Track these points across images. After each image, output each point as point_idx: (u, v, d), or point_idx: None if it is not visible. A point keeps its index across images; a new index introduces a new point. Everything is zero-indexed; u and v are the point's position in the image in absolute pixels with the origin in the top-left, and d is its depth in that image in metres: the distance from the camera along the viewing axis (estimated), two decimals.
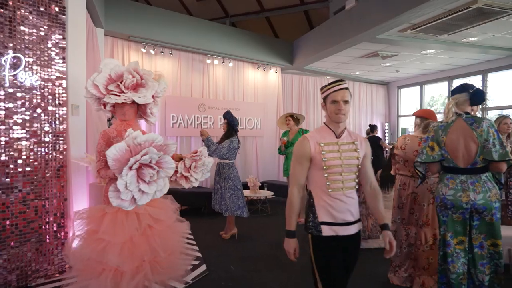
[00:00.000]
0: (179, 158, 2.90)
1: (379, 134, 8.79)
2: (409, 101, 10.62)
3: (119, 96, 2.46)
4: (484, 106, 7.89)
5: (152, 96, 2.63)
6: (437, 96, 10.54)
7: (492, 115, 8.18)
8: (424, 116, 3.26)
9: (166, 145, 2.33)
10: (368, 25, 5.35)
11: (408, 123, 10.71)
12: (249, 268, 3.71)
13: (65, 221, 3.45)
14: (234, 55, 7.28)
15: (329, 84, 1.91)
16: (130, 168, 2.13)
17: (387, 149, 8.25)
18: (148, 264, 2.41)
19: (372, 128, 8.22)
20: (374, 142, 8.03)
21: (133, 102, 2.54)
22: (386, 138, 10.50)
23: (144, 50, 6.18)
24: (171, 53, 6.48)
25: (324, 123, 1.96)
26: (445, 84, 8.94)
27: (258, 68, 7.87)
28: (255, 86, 8.00)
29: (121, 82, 2.48)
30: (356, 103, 10.26)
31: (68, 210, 3.47)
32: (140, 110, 2.68)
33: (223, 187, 4.52)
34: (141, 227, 2.43)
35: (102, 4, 5.23)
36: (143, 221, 2.46)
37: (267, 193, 6.24)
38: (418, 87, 9.73)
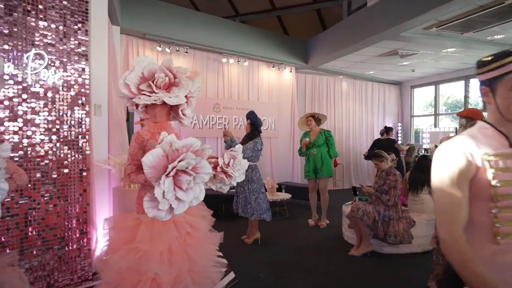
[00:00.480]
0: (212, 158, 2.74)
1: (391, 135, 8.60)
2: (421, 100, 10.46)
3: (150, 96, 2.28)
4: None
5: (186, 96, 2.44)
6: (445, 96, 10.38)
7: None
8: (470, 117, 3.09)
9: (202, 149, 2.16)
10: (392, 22, 5.18)
11: (421, 123, 10.55)
12: (277, 275, 3.54)
13: (87, 226, 3.28)
14: (249, 54, 7.12)
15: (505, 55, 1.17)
16: (167, 175, 1.96)
17: (403, 151, 8.08)
18: (187, 274, 2.24)
19: (388, 130, 8.02)
20: (390, 145, 7.84)
21: (165, 102, 2.36)
22: (399, 139, 10.32)
23: (159, 49, 6.01)
24: (186, 52, 6.31)
25: (485, 121, 1.27)
26: (461, 84, 8.76)
27: (273, 67, 7.70)
28: (270, 85, 7.83)
29: (153, 81, 2.30)
30: (368, 103, 10.10)
31: (91, 215, 3.30)
32: (172, 111, 2.49)
33: (247, 190, 4.35)
34: (180, 236, 2.24)
35: (118, 0, 5.07)
36: (181, 229, 2.27)
37: (285, 196, 6.07)
38: (433, 87, 9.56)
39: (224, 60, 6.90)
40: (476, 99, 8.63)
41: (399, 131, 10.45)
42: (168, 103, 2.33)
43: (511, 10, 4.45)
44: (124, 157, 3.25)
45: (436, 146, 8.72)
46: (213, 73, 6.89)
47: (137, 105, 2.42)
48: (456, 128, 8.80)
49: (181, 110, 2.46)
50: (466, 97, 8.62)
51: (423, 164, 4.52)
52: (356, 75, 9.45)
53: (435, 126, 9.58)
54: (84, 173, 3.24)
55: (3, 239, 2.75)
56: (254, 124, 4.47)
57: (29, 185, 2.88)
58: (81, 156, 3.22)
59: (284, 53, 7.69)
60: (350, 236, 4.53)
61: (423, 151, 9.19)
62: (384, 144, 7.95)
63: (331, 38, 7.05)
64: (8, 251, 2.04)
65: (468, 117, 3.10)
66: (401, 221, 4.09)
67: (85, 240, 3.27)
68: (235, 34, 6.94)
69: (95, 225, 3.33)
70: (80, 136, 3.22)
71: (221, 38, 6.65)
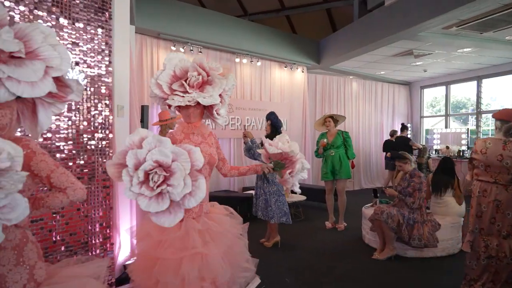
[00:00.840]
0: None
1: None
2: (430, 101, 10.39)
3: (183, 97, 2.18)
4: None
5: (220, 95, 2.35)
6: (439, 97, 10.33)
7: None
8: (504, 119, 2.99)
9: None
10: (412, 21, 5.10)
11: (430, 124, 10.47)
12: (303, 280, 3.46)
13: (111, 231, 3.19)
14: (262, 53, 7.03)
15: None
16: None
17: (417, 149, 7.97)
18: (212, 285, 2.12)
19: (403, 128, 7.96)
20: (404, 143, 7.78)
21: (199, 102, 2.26)
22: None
23: (174, 48, 5.91)
24: (200, 51, 6.21)
25: None
26: (473, 84, 8.67)
27: (285, 67, 7.62)
28: (282, 86, 7.74)
29: (185, 80, 2.20)
30: (378, 104, 10.01)
31: (115, 219, 3.21)
32: (207, 110, 2.39)
33: (268, 192, 4.27)
34: (204, 244, 2.12)
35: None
36: (205, 236, 2.15)
37: (300, 198, 5.98)
38: (443, 87, 9.47)
39: (237, 60, 6.81)
40: (488, 99, 8.55)
41: (409, 132, 10.36)
42: (202, 104, 2.24)
43: None
44: None
45: (447, 147, 8.65)
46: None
47: (169, 105, 2.33)
48: (468, 129, 8.71)
49: (215, 110, 2.37)
50: (478, 97, 8.53)
51: (447, 166, 4.45)
52: (366, 75, 9.36)
53: (446, 127, 9.49)
54: (107, 176, 3.15)
55: None
56: (274, 125, 4.39)
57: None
58: (104, 159, 3.13)
59: (297, 53, 7.61)
60: (371, 239, 4.44)
61: (434, 152, 9.11)
62: (398, 143, 7.89)
63: (345, 38, 6.96)
64: (93, 259, 1.93)
65: (503, 120, 3.01)
66: (426, 224, 4.01)
67: (108, 245, 3.18)
68: (249, 34, 6.85)
69: (118, 229, 3.24)
70: (103, 138, 3.13)
71: (235, 37, 6.56)
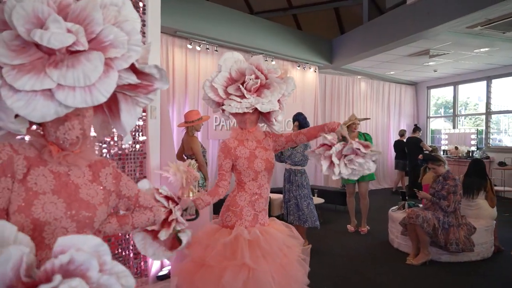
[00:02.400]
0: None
1: (406, 136, 8.49)
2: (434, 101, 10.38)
3: (240, 102, 2.01)
4: None
5: (278, 100, 2.17)
6: (435, 97, 10.38)
7: None
8: None
9: None
10: (436, 21, 5.01)
11: (437, 125, 10.45)
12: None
13: None
14: (277, 52, 6.88)
15: None
16: None
17: (427, 151, 7.95)
18: None
19: (416, 128, 7.94)
20: (415, 143, 7.75)
21: (255, 108, 2.09)
22: None
23: (190, 47, 5.73)
24: (216, 50, 6.04)
25: None
26: (482, 84, 8.66)
27: (298, 67, 7.48)
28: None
29: (242, 84, 2.03)
30: (385, 104, 9.95)
31: None
32: (263, 115, 2.21)
33: (298, 196, 4.12)
34: (255, 258, 1.94)
35: None
36: (256, 251, 1.97)
37: (319, 200, 5.85)
38: (451, 87, 9.46)
39: None
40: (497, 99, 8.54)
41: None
42: (261, 111, 2.07)
43: None
44: (185, 164, 2.98)
45: (456, 148, 8.63)
46: None
47: (223, 108, 2.16)
48: (477, 129, 8.71)
49: (274, 117, 2.19)
50: (488, 97, 8.52)
51: (478, 168, 4.37)
52: (374, 75, 9.29)
53: (453, 128, 9.48)
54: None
55: None
56: (303, 126, 4.25)
57: None
58: (138, 164, 2.95)
59: (310, 52, 7.49)
60: (401, 244, 4.33)
61: (441, 153, 9.08)
62: (409, 143, 7.86)
63: (362, 37, 6.85)
64: None
65: None
66: (462, 228, 3.91)
67: (141, 256, 3.00)
68: (264, 32, 6.71)
69: None
70: (136, 141, 2.96)
71: (250, 36, 6.40)
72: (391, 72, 8.90)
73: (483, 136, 8.64)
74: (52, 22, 0.95)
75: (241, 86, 2.01)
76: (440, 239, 3.83)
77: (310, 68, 7.73)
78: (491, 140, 8.61)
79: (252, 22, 6.67)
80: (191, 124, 4.00)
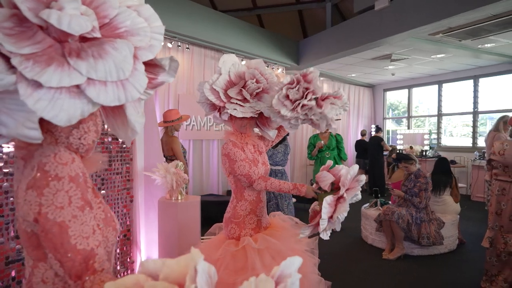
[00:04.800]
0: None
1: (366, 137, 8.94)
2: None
3: (243, 106, 1.98)
4: (475, 110, 8.33)
5: None
6: (396, 101, 11.14)
7: (485, 118, 8.69)
8: None
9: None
10: (403, 27, 5.28)
11: (393, 126, 11.04)
12: None
13: (131, 248, 2.84)
14: (247, 52, 6.85)
15: None
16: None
17: (387, 150, 8.37)
18: None
19: (377, 129, 8.35)
20: (376, 142, 8.14)
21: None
22: None
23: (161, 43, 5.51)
24: (188, 48, 5.88)
25: None
26: (434, 88, 9.30)
27: (267, 67, 7.50)
28: None
29: (243, 87, 2.00)
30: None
31: (135, 234, 2.87)
32: (259, 121, 2.19)
33: (279, 196, 4.13)
34: (264, 266, 1.92)
35: None
36: (265, 256, 1.96)
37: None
38: (406, 90, 10.04)
39: None
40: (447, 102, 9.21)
41: (373, 133, 10.83)
42: (265, 115, 2.05)
43: None
44: (173, 165, 2.86)
45: (411, 147, 9.17)
46: (210, 71, 6.52)
47: (220, 112, 2.09)
48: (430, 130, 9.32)
49: (273, 120, 2.16)
50: (439, 100, 9.16)
51: (444, 166, 4.66)
52: (336, 77, 9.59)
53: (408, 128, 10.07)
54: (128, 185, 2.80)
55: None
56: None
57: None
58: (125, 165, 2.78)
59: (279, 53, 7.56)
60: (375, 239, 4.50)
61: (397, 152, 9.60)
62: (371, 143, 8.24)
63: (330, 39, 7.02)
64: None
65: None
66: (432, 222, 4.15)
67: (128, 259, 2.83)
68: (235, 31, 6.66)
69: (138, 246, 2.89)
70: (123, 142, 2.78)
71: (221, 34, 6.32)
72: (353, 75, 9.24)
73: (435, 137, 9.28)
74: (67, 1, 0.77)
75: (243, 90, 1.97)
76: (414, 234, 4.04)
77: (278, 69, 7.79)
78: (441, 140, 9.28)
79: (224, 20, 6.60)
80: (170, 124, 3.85)
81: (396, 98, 11.09)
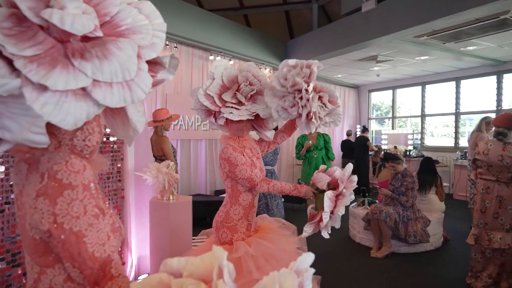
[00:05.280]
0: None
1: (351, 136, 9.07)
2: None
3: (239, 109, 1.99)
4: (457, 111, 8.55)
5: None
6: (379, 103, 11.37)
7: (468, 119, 8.92)
8: (506, 127, 3.22)
9: None
10: (389, 29, 5.37)
11: (376, 126, 11.22)
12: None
13: (121, 249, 2.80)
14: (235, 52, 6.85)
15: None
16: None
17: (372, 151, 8.52)
18: None
19: (364, 129, 8.47)
20: (362, 142, 8.26)
21: None
22: None
23: None
24: (176, 47, 5.82)
25: None
26: (418, 89, 9.50)
27: None
28: None
29: (237, 90, 2.01)
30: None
31: (126, 232, 2.83)
32: (255, 123, 2.19)
33: (268, 195, 4.15)
34: (258, 268, 1.93)
35: None
36: (258, 260, 1.96)
37: None
38: (390, 91, 10.22)
39: (211, 57, 6.53)
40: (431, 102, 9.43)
41: (358, 133, 10.99)
42: (262, 117, 2.06)
43: (499, 24, 4.90)
44: (165, 165, 2.84)
45: (395, 147, 9.35)
46: (198, 71, 6.48)
47: (215, 117, 2.09)
48: (413, 130, 9.51)
49: (271, 122, 2.18)
50: (423, 101, 9.36)
51: (429, 166, 4.77)
52: (322, 78, 9.67)
53: (392, 128, 10.25)
54: (119, 185, 2.76)
55: None
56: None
57: None
58: (116, 165, 2.74)
59: (266, 53, 7.59)
60: (363, 238, 4.57)
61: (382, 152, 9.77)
62: (358, 142, 8.36)
63: (318, 40, 7.08)
64: None
65: (505, 127, 3.23)
66: (418, 221, 4.24)
67: None
68: (223, 31, 6.64)
69: (129, 247, 2.86)
70: (114, 142, 2.74)
71: (210, 33, 6.30)
72: (339, 75, 9.35)
73: (419, 137, 9.48)
74: (69, 0, 0.74)
75: (237, 93, 1.98)
76: (401, 232, 4.12)
77: (266, 69, 7.81)
78: (424, 140, 9.48)
79: (212, 19, 6.57)
80: (160, 123, 3.81)
81: (378, 99, 11.30)
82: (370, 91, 10.84)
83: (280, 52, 7.99)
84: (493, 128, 3.44)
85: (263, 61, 7.61)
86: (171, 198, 2.91)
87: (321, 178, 1.83)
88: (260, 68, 7.65)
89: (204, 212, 5.16)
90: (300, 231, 2.06)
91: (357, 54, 6.81)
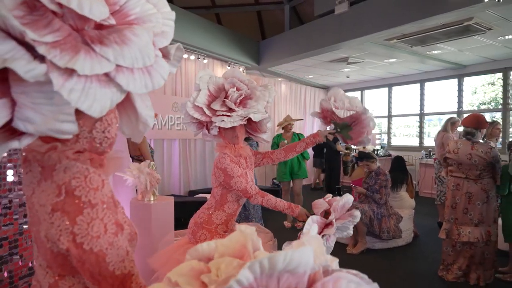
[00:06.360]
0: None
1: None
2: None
3: (230, 116, 1.97)
4: (422, 112, 8.96)
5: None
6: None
7: (427, 120, 9.36)
8: (474, 127, 3.40)
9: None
10: (361, 32, 5.53)
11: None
12: None
13: None
14: (209, 51, 6.78)
15: None
16: None
17: (341, 152, 8.71)
18: None
19: None
20: (333, 141, 8.43)
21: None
22: None
23: None
24: None
25: None
26: (384, 90, 9.86)
27: (228, 66, 7.48)
28: None
29: (226, 98, 1.99)
30: (302, 106, 10.57)
31: None
32: (249, 127, 2.17)
33: None
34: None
35: None
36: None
37: None
38: (359, 92, 10.53)
39: (185, 56, 6.42)
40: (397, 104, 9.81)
41: None
42: (254, 120, 2.04)
43: (463, 30, 5.18)
44: (145, 165, 2.75)
45: (364, 147, 9.65)
46: None
47: (208, 128, 2.07)
48: (381, 130, 9.85)
49: (265, 124, 2.17)
50: (389, 102, 9.73)
51: (400, 164, 4.96)
52: (293, 78, 9.80)
53: None
54: None
55: None
56: None
57: None
58: None
59: (240, 53, 7.56)
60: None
61: (356, 151, 10.03)
62: (328, 143, 8.52)
63: (291, 41, 7.14)
64: None
65: (472, 127, 3.41)
66: (391, 217, 4.40)
67: None
68: (197, 29, 6.56)
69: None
70: None
71: (184, 32, 6.19)
72: (310, 76, 9.50)
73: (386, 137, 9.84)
74: None
75: (226, 100, 1.96)
76: (375, 229, 4.25)
77: (239, 68, 7.80)
78: (391, 140, 9.86)
79: (186, 17, 6.47)
80: None
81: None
82: None
83: (253, 52, 8.00)
84: (460, 128, 3.64)
85: (237, 60, 7.59)
86: (152, 199, 2.83)
87: (320, 205, 1.84)
88: (234, 68, 7.63)
89: (178, 213, 5.04)
90: (276, 233, 2.07)
91: (329, 55, 6.95)
